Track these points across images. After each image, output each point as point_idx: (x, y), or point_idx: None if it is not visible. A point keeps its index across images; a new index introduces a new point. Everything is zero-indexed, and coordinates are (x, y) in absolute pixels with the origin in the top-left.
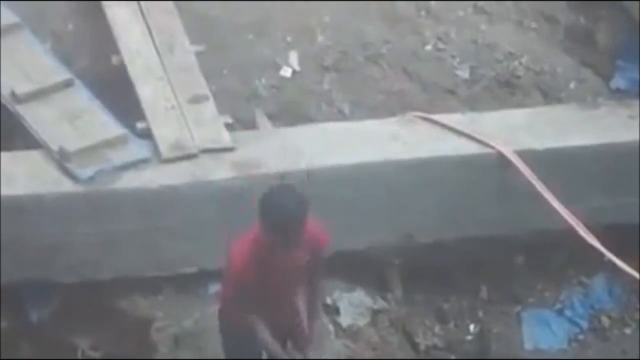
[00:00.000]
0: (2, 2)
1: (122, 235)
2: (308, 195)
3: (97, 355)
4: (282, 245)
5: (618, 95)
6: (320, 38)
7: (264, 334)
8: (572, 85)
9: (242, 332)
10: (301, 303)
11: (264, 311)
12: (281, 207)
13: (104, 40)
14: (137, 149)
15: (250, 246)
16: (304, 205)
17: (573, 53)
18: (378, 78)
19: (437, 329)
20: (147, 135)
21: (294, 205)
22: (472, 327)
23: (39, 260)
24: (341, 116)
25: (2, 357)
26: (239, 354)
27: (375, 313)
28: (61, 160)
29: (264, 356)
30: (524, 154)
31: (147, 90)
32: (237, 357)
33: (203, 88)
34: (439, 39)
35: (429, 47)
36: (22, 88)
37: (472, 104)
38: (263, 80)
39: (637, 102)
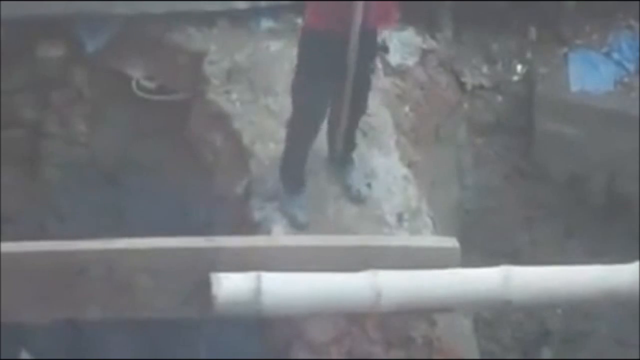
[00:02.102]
0: None
1: None
2: None
3: (152, 85)
4: None
5: None
6: None
7: None
8: None
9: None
10: None
11: None
12: None
13: None
14: None
15: None
16: None
17: None
18: None
19: (484, 69)
20: None
21: None
22: (519, 67)
23: None
24: None
25: (57, 85)
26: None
27: (424, 52)
28: None
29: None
30: None
31: None
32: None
33: None
34: None
35: None
36: None
37: None
38: None
39: None
